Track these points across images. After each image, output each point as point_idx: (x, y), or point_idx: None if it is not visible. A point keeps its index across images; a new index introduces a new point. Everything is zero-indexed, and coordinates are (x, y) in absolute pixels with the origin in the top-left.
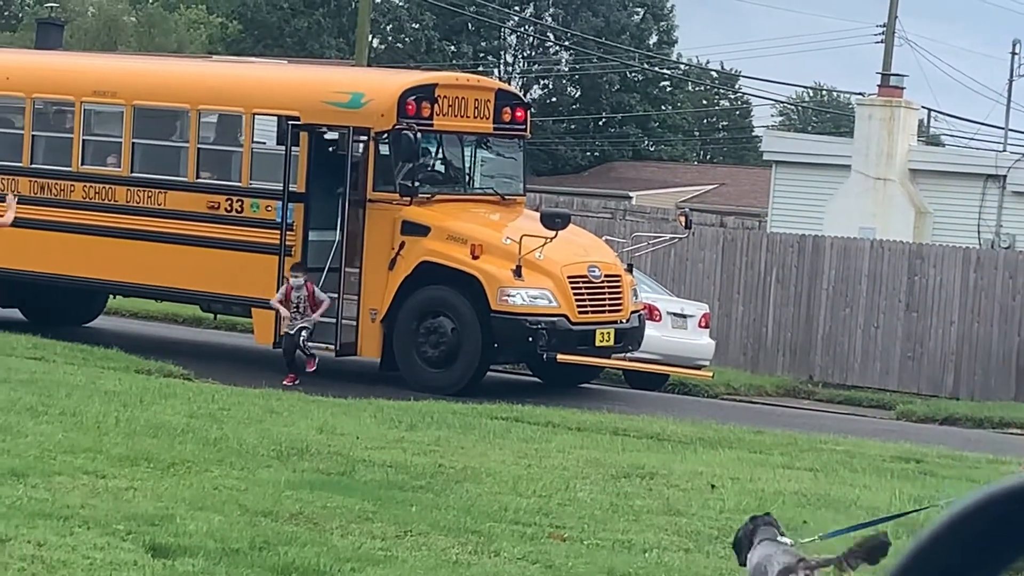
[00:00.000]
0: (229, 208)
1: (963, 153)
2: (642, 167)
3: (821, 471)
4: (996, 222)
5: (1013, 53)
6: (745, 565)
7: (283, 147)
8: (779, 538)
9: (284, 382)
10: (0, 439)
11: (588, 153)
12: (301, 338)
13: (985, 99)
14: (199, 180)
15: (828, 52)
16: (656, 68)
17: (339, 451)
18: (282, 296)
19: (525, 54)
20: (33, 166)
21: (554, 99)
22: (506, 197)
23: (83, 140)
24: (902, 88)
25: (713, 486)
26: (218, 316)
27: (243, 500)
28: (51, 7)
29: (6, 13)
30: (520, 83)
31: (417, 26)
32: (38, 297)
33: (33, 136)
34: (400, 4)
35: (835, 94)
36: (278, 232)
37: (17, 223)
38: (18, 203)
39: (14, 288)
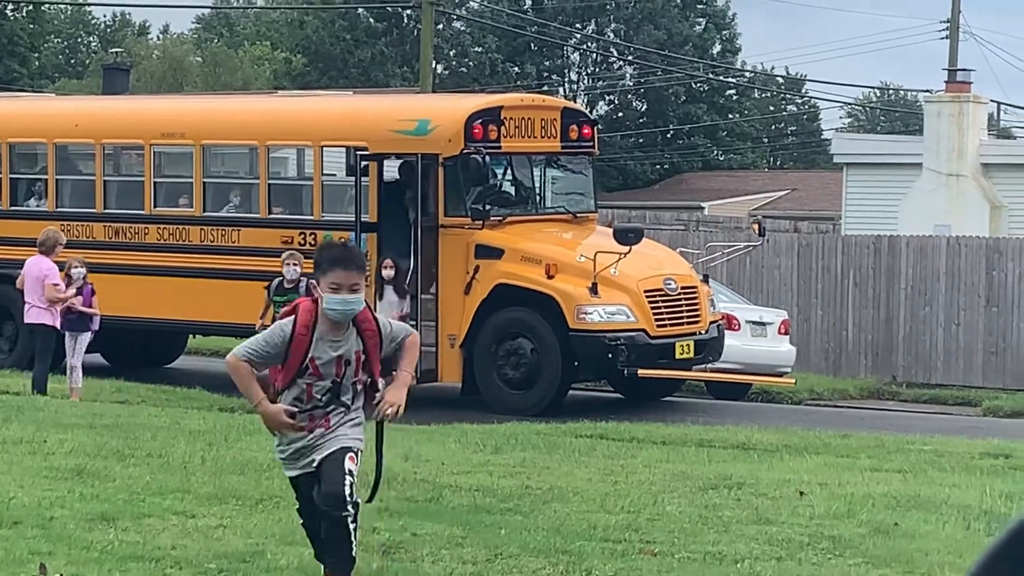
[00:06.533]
0: (303, 242)
1: None
2: (712, 177)
3: (910, 472)
4: None
5: None
6: None
7: (353, 178)
8: None
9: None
10: (89, 484)
11: (657, 166)
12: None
13: None
14: (272, 215)
15: (893, 51)
16: (721, 77)
17: (425, 478)
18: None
19: (589, 71)
20: (106, 211)
21: (620, 114)
22: (578, 215)
23: (154, 182)
24: (969, 83)
25: (802, 493)
26: None
27: None
28: (116, 52)
29: (72, 60)
30: (585, 100)
31: (480, 49)
32: (119, 341)
33: (105, 181)
34: (463, 29)
35: (902, 93)
36: None
37: (94, 269)
38: (94, 248)
39: (95, 333)
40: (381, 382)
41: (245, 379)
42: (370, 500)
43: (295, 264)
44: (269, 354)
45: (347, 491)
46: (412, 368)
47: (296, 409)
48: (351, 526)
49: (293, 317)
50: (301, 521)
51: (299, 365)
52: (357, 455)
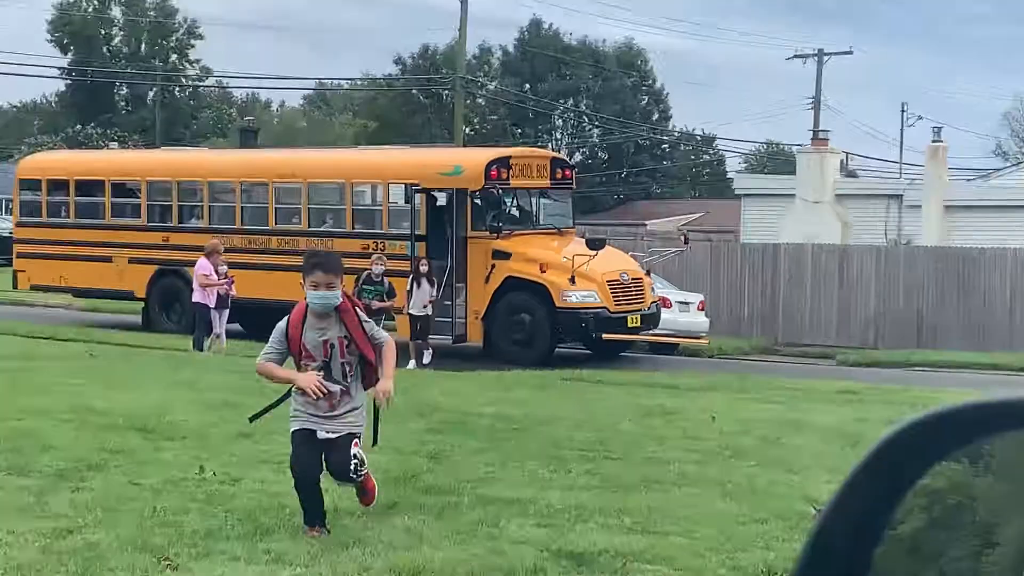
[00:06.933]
0: (375, 248)
1: (872, 181)
2: (653, 204)
3: (787, 403)
4: (897, 227)
5: (902, 111)
6: None
7: (409, 205)
8: None
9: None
10: (233, 412)
11: (615, 196)
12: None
13: (885, 142)
14: (355, 230)
15: (777, 117)
16: (658, 135)
17: (458, 407)
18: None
19: (569, 132)
20: (243, 226)
21: (590, 161)
22: (562, 230)
23: (275, 208)
24: (828, 139)
25: (713, 417)
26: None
27: (397, 444)
28: (248, 120)
29: (219, 126)
30: (567, 151)
31: (496, 117)
32: (251, 315)
33: (242, 207)
34: (483, 103)
35: (782, 146)
36: (409, 262)
37: (234, 266)
38: (234, 251)
39: (236, 310)
40: (380, 370)
41: (272, 372)
42: (374, 444)
43: (380, 263)
44: (276, 349)
45: (351, 470)
46: (391, 370)
47: (322, 374)
48: (357, 481)
49: (288, 315)
50: (294, 481)
51: (297, 350)
52: (360, 438)
